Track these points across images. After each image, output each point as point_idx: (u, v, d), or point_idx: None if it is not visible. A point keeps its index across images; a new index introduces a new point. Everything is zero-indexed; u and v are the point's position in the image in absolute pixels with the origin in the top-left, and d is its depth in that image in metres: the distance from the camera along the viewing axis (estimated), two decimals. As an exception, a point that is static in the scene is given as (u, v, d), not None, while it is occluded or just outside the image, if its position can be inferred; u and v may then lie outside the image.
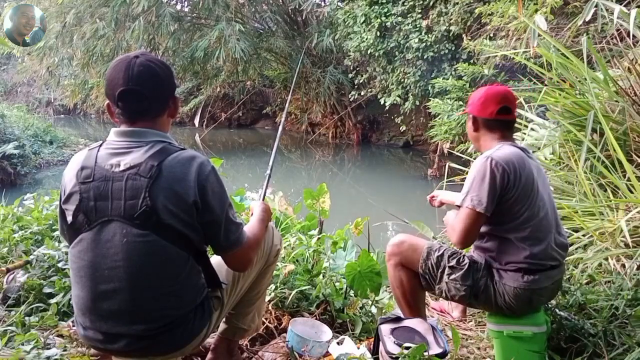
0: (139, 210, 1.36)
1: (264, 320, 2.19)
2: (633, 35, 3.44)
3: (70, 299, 2.14)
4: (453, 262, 1.99)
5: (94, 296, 1.40)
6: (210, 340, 1.90)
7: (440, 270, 2.01)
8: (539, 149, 3.46)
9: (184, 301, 1.45)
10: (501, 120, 1.98)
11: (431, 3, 8.56)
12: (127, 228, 1.37)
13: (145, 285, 1.39)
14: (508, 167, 1.84)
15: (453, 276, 1.97)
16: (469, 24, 7.79)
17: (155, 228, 1.37)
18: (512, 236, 1.89)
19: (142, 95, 1.42)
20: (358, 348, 2.03)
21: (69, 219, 1.42)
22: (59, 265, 2.31)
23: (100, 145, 1.45)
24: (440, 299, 2.75)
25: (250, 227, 1.61)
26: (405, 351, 1.71)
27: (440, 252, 2.03)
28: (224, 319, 1.80)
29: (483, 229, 1.93)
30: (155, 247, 1.38)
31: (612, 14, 3.47)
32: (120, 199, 1.37)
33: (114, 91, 1.41)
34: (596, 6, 3.61)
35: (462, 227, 1.88)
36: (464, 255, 2.01)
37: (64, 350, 1.81)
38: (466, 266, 1.96)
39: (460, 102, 6.96)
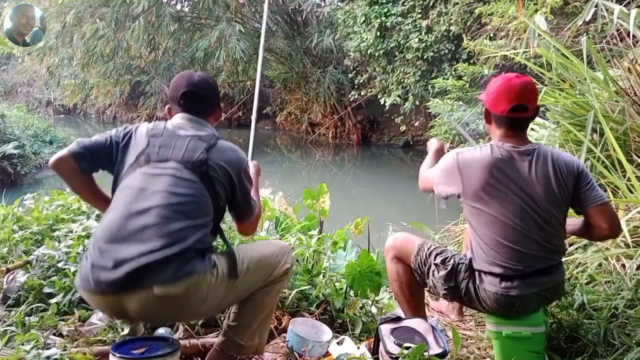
0: (195, 159, 1.66)
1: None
2: (633, 35, 3.44)
3: (70, 300, 2.16)
4: (438, 261, 1.99)
5: (127, 214, 1.58)
6: (211, 340, 1.90)
7: (427, 267, 2.03)
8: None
9: (196, 239, 1.59)
10: (513, 118, 1.89)
11: (431, 3, 8.56)
12: (180, 167, 1.64)
13: (175, 210, 1.59)
14: (464, 169, 1.89)
15: (437, 274, 1.98)
16: (469, 24, 7.79)
17: (203, 176, 1.65)
18: (482, 238, 1.89)
19: (200, 96, 1.80)
20: (358, 348, 2.03)
21: (131, 158, 1.69)
22: (59, 265, 2.31)
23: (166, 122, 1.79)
24: (440, 299, 2.76)
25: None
26: (405, 351, 1.71)
27: (430, 249, 2.04)
28: (222, 332, 1.82)
29: (467, 226, 1.98)
30: (196, 190, 1.63)
31: (612, 14, 3.47)
32: (182, 149, 1.67)
33: (177, 93, 1.79)
34: (596, 6, 3.60)
35: (422, 185, 2.13)
36: (452, 256, 2.00)
37: (64, 350, 1.81)
38: (450, 267, 1.96)
39: (460, 102, 6.96)
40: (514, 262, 1.84)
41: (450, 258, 1.99)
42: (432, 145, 2.33)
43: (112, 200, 1.68)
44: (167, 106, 1.86)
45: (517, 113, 1.88)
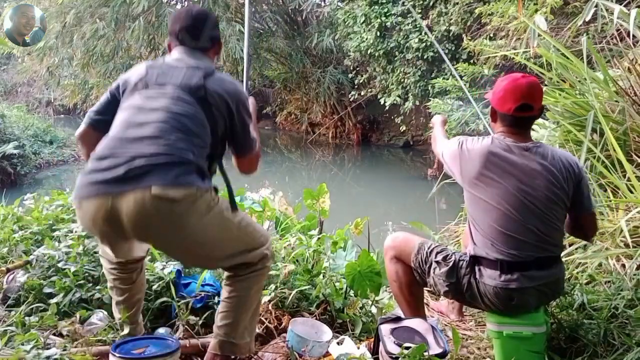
0: (193, 84, 1.69)
1: (264, 320, 2.19)
2: (633, 35, 3.44)
3: (70, 300, 2.16)
4: (439, 258, 2.01)
5: (127, 126, 1.64)
6: (211, 339, 1.90)
7: (428, 265, 2.04)
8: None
9: (195, 155, 1.63)
10: (518, 117, 1.94)
11: (431, 3, 8.56)
12: (178, 90, 1.68)
13: (174, 126, 1.63)
14: (463, 155, 1.96)
15: (438, 271, 1.99)
16: (469, 24, 7.79)
17: (200, 101, 1.68)
18: (480, 225, 1.92)
19: (199, 30, 1.82)
20: (358, 348, 2.03)
21: (130, 87, 1.73)
22: (59, 265, 2.31)
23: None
24: (440, 299, 2.76)
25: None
26: (405, 351, 1.71)
27: (430, 248, 2.06)
28: (213, 336, 1.81)
29: (469, 217, 2.02)
30: (194, 112, 1.67)
31: (612, 14, 3.47)
32: (180, 76, 1.71)
33: (176, 27, 1.83)
34: (596, 6, 3.61)
35: (436, 144, 2.25)
36: (453, 253, 2.02)
37: (64, 350, 1.81)
38: (451, 263, 1.98)
39: (460, 102, 6.96)
40: (511, 250, 1.86)
41: (451, 255, 2.01)
42: (437, 119, 2.45)
43: (115, 118, 1.71)
44: (166, 42, 1.89)
45: (523, 112, 1.92)
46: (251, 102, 1.93)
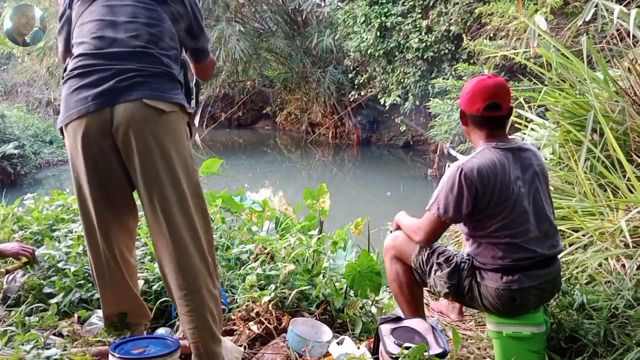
0: None
1: (264, 320, 2.18)
2: (633, 35, 3.44)
3: (70, 300, 2.16)
4: (441, 260, 2.00)
5: (102, 40, 1.65)
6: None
7: (429, 266, 2.03)
8: (538, 149, 3.47)
9: (175, 69, 1.73)
10: (488, 117, 1.91)
11: (431, 3, 8.56)
12: None
13: (151, 39, 1.68)
14: (476, 179, 1.84)
15: (439, 273, 1.99)
16: (469, 24, 7.79)
17: (161, 4, 1.73)
18: (486, 241, 1.91)
19: None
20: (358, 348, 2.03)
21: None
22: (59, 265, 2.31)
23: None
24: (440, 299, 2.76)
25: None
26: (405, 351, 1.71)
27: (432, 248, 2.05)
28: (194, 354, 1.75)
29: (464, 231, 2.00)
30: (164, 23, 1.72)
31: (612, 14, 3.47)
32: None
33: None
34: (596, 6, 3.61)
35: (426, 230, 1.98)
36: (454, 254, 2.02)
37: (64, 350, 1.81)
38: (453, 265, 1.97)
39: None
40: (518, 259, 1.87)
41: (453, 257, 2.01)
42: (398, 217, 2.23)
43: (77, 35, 1.71)
44: None
45: (491, 112, 1.90)
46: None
